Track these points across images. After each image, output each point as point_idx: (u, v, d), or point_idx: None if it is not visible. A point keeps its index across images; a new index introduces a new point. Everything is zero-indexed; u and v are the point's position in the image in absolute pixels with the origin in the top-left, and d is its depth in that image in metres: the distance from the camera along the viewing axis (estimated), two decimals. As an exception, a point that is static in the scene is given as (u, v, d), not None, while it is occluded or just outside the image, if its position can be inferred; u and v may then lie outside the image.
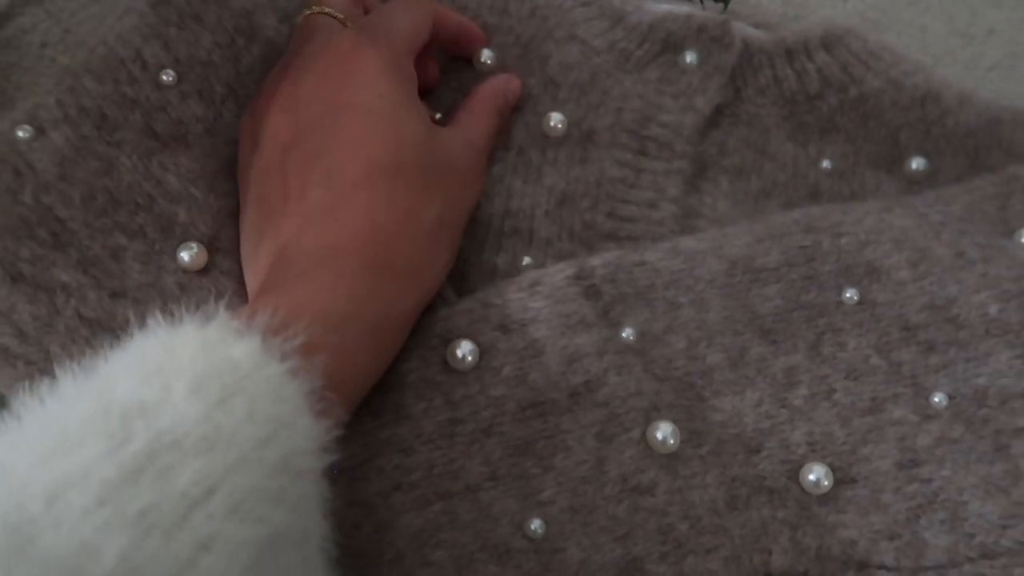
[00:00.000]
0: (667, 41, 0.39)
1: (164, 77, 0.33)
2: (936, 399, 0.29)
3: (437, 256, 0.31)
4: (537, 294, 0.30)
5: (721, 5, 0.42)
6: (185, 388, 0.21)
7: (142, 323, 0.24)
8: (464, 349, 0.30)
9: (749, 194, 0.38)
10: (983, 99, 0.37)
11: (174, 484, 0.20)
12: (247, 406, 0.21)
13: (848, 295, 0.31)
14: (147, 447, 0.20)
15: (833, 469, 0.29)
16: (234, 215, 0.33)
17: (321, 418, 0.23)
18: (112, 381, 0.22)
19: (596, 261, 0.31)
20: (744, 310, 0.31)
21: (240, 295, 0.32)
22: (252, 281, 0.31)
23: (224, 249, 0.32)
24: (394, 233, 0.29)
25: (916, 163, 0.37)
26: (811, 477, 0.29)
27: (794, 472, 0.29)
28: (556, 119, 0.37)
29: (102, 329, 0.30)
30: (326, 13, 0.35)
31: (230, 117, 0.34)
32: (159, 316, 0.23)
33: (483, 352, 0.30)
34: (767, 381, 0.30)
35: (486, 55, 0.38)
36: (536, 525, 0.28)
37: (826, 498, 0.29)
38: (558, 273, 0.31)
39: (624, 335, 0.30)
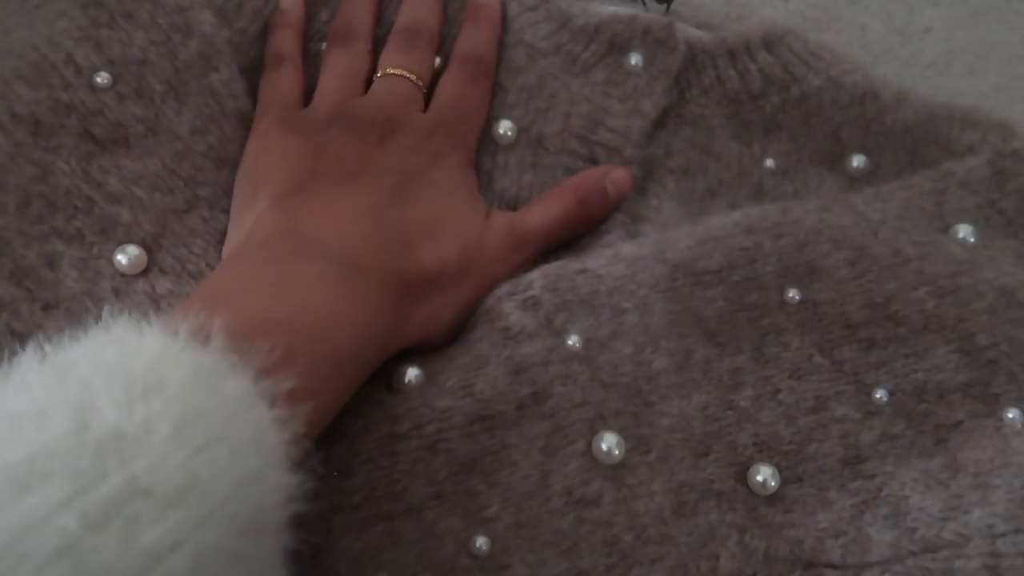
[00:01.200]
0: (613, 43, 0.39)
1: (98, 79, 0.33)
2: (877, 395, 0.30)
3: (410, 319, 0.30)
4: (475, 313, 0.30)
5: (664, 6, 0.42)
6: (169, 428, 0.20)
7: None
8: (411, 375, 0.30)
9: (695, 194, 0.38)
10: (920, 96, 0.38)
11: (139, 538, 0.19)
12: (227, 456, 0.21)
13: (790, 295, 0.31)
14: (118, 493, 0.19)
15: (779, 469, 0.29)
16: (179, 212, 0.33)
17: (295, 469, 0.22)
18: (92, 397, 0.20)
19: (534, 274, 0.31)
20: (688, 313, 0.31)
21: (176, 295, 0.32)
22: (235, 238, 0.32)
23: (168, 246, 0.32)
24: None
25: (857, 160, 0.38)
26: (758, 478, 0.29)
27: (741, 474, 0.29)
28: (505, 126, 0.37)
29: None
30: (407, 78, 0.36)
31: (172, 114, 0.34)
32: (152, 319, 0.22)
33: (428, 375, 0.30)
34: (713, 383, 0.30)
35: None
36: (481, 542, 0.28)
37: (773, 498, 0.29)
38: (489, 297, 0.31)
39: (570, 343, 0.30)
